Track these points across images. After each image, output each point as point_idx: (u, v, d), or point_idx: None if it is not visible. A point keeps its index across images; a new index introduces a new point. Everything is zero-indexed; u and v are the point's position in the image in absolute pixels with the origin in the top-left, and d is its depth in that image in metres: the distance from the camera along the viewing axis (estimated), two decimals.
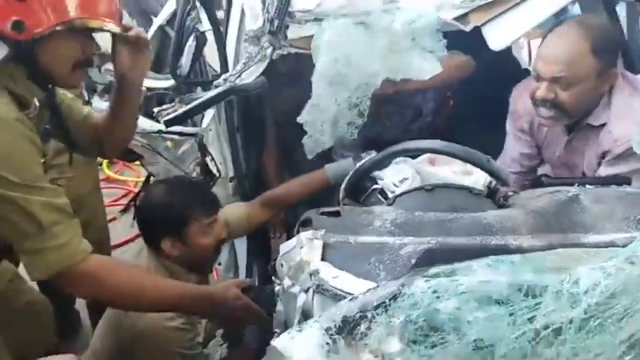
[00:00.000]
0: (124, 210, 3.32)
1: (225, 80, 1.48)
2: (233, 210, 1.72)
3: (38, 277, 1.22)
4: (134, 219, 2.23)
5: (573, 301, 0.75)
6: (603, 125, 1.52)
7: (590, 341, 0.75)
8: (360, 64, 1.50)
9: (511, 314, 0.75)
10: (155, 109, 1.48)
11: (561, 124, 1.60)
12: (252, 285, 1.45)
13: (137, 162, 2.07)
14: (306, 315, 0.92)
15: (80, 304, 2.36)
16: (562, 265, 0.82)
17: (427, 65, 1.47)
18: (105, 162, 3.67)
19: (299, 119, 1.60)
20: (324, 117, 1.57)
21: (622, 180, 1.32)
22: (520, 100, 1.71)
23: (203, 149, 1.81)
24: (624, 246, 0.84)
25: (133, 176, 3.78)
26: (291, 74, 1.81)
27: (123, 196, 3.57)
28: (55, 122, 1.36)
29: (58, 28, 1.15)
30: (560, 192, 1.11)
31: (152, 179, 2.09)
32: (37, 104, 1.24)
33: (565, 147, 1.64)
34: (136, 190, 3.41)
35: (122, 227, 3.09)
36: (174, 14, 1.87)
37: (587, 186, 1.21)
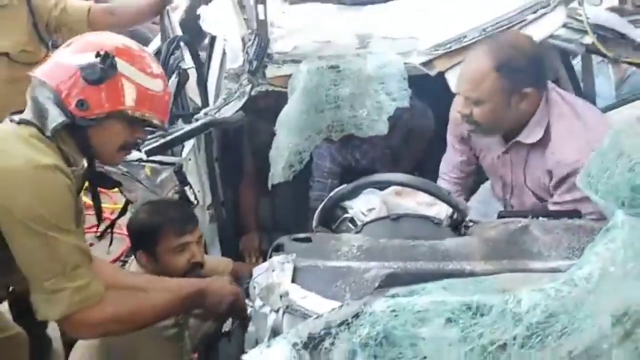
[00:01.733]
0: (101, 237, 3.31)
1: (205, 114, 1.57)
2: (218, 265, 1.80)
3: (52, 316, 1.23)
4: (109, 245, 2.25)
5: (516, 320, 0.83)
6: (537, 143, 1.53)
7: (532, 357, 0.83)
8: (317, 117, 1.63)
9: (462, 331, 0.83)
10: None
11: (483, 138, 1.65)
12: None
13: (115, 189, 2.10)
14: (276, 333, 0.97)
15: (52, 329, 2.34)
16: (508, 287, 0.90)
17: (377, 125, 1.60)
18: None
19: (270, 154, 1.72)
20: (280, 155, 1.71)
21: (573, 214, 1.42)
22: None
23: (182, 178, 1.87)
24: None
25: (110, 203, 3.78)
26: (268, 108, 1.91)
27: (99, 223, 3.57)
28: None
29: (114, 114, 1.24)
30: (513, 222, 1.22)
31: (130, 206, 2.13)
32: (85, 163, 1.32)
33: (501, 159, 1.66)
34: (112, 217, 3.40)
35: (98, 254, 3.06)
36: (158, 50, 1.95)
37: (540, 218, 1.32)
